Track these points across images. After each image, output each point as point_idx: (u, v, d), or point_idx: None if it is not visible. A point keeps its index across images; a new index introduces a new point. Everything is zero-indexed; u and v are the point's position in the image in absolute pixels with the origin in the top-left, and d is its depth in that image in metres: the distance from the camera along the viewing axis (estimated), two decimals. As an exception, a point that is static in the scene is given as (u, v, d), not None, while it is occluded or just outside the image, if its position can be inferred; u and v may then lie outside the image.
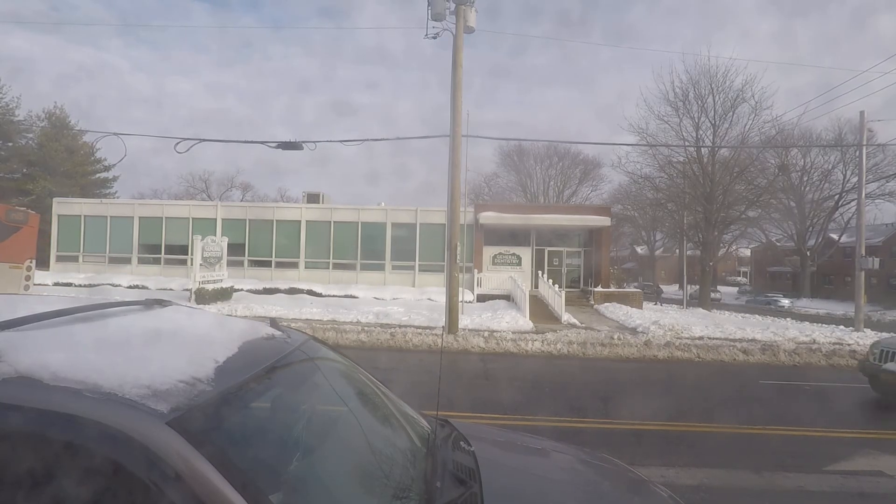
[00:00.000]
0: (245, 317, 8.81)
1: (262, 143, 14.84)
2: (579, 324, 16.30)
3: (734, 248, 43.76)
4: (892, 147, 30.74)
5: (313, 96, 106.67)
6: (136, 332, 1.77)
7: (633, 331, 14.96)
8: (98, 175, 36.93)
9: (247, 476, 1.22)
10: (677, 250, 40.84)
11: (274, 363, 1.71)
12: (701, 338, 13.70)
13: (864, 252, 17.23)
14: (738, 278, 73.67)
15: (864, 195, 17.42)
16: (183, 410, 1.23)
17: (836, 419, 7.11)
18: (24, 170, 32.54)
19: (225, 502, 1.13)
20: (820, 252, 42.78)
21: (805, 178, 40.50)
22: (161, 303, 2.15)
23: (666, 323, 15.52)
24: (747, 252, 63.48)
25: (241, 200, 47.72)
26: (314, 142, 14.64)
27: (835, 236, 42.04)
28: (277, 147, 14.74)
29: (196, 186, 52.83)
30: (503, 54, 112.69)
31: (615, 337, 13.00)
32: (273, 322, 2.23)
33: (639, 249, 68.09)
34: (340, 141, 14.16)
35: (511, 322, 15.49)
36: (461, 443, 2.16)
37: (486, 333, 13.05)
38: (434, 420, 2.34)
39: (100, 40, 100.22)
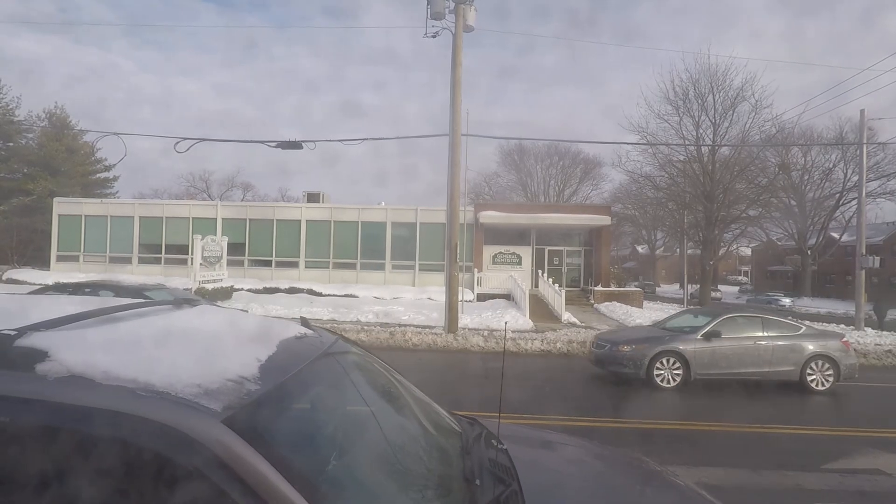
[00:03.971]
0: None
1: (261, 142, 14.85)
2: (579, 323, 16.29)
3: (735, 247, 43.65)
4: (893, 145, 30.66)
5: (314, 96, 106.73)
6: (175, 330, 1.78)
7: (634, 330, 14.93)
8: (99, 175, 36.97)
9: (299, 472, 1.24)
10: (678, 249, 40.79)
11: (312, 361, 1.73)
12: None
13: (864, 251, 17.19)
14: (740, 277, 73.60)
15: (864, 194, 17.40)
16: (236, 409, 1.24)
17: (834, 418, 7.11)
18: (25, 170, 32.57)
19: (282, 498, 1.14)
20: (821, 251, 42.72)
21: (806, 177, 40.42)
22: (190, 302, 2.16)
23: (666, 322, 15.49)
24: (748, 251, 63.38)
25: (242, 200, 47.69)
26: (314, 141, 14.66)
27: (836, 235, 41.96)
28: (277, 146, 14.74)
29: (197, 186, 52.84)
30: (503, 53, 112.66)
31: (615, 336, 12.99)
32: (304, 321, 2.26)
33: (640, 249, 68.05)
34: (340, 140, 14.23)
35: (511, 321, 15.47)
36: (493, 440, 2.16)
37: (485, 332, 13.05)
38: (463, 419, 2.35)
39: (99, 40, 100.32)
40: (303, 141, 14.66)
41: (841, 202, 39.55)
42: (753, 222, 28.98)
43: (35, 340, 1.33)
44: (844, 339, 8.95)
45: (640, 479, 2.37)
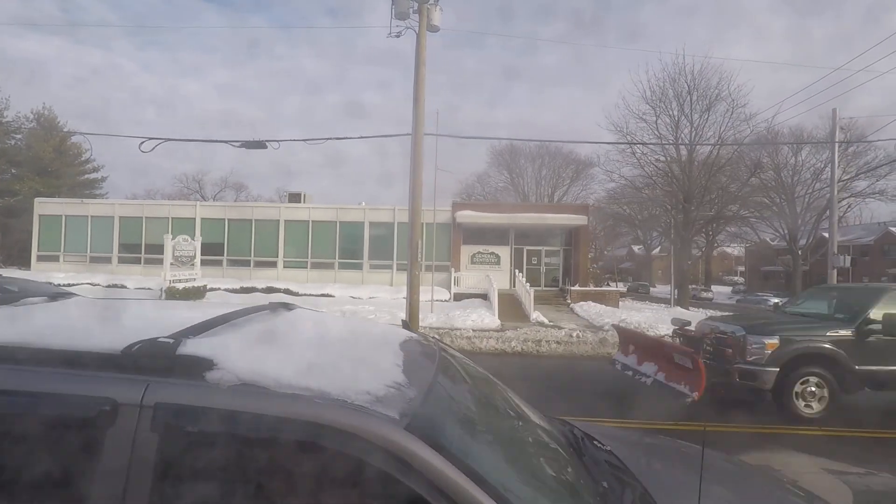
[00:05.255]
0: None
1: (226, 142, 14.90)
2: (547, 322, 16.27)
3: (719, 246, 43.48)
4: (883, 144, 30.50)
5: (297, 96, 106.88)
6: (302, 337, 1.81)
7: (599, 329, 14.92)
8: (87, 176, 37.14)
9: (476, 472, 1.25)
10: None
11: (439, 365, 1.77)
12: (663, 336, 13.63)
13: (836, 250, 17.15)
14: (735, 278, 73.33)
15: (836, 192, 17.39)
16: (410, 415, 1.27)
17: (756, 415, 7.07)
18: (13, 170, 32.76)
19: (472, 499, 1.17)
20: (812, 251, 42.45)
21: (796, 178, 40.18)
22: (286, 306, 2.17)
23: (633, 321, 15.47)
24: (742, 251, 63.21)
25: (236, 201, 47.78)
26: (277, 141, 14.73)
27: (827, 235, 41.68)
28: (242, 146, 14.80)
29: (190, 187, 52.98)
30: (490, 52, 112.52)
31: (574, 335, 12.99)
32: (405, 324, 2.30)
33: (636, 249, 67.98)
34: (304, 140, 14.17)
35: (477, 320, 15.50)
36: (594, 442, 2.16)
37: (443, 331, 13.06)
38: (555, 419, 2.34)
39: (88, 39, 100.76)
40: (266, 140, 14.73)
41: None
42: (733, 222, 28.85)
43: (191, 348, 1.31)
44: None
45: (745, 478, 2.30)
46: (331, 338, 1.86)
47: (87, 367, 1.25)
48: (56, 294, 2.14)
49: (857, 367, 6.47)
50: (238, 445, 1.18)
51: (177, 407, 1.18)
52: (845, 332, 6.61)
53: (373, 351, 1.73)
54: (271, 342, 1.62)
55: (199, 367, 1.25)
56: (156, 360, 1.25)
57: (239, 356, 1.33)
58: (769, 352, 6.46)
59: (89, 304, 2.10)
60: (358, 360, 1.57)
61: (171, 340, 1.29)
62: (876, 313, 6.57)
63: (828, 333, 6.65)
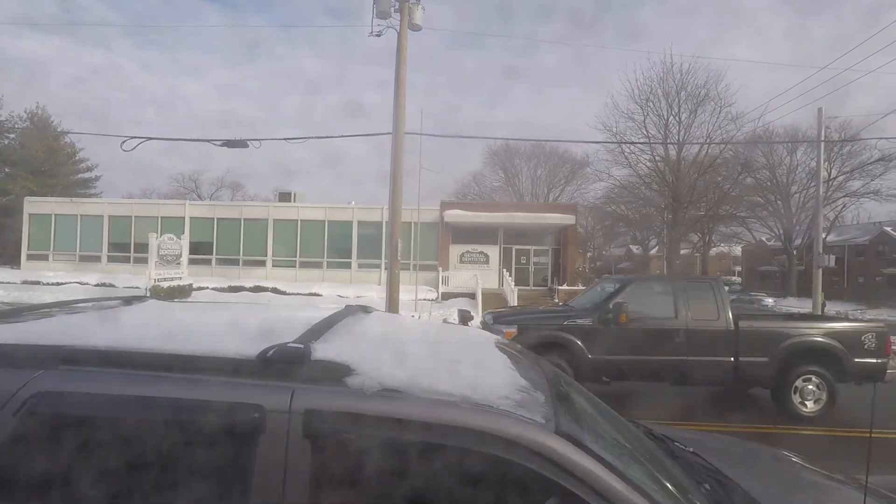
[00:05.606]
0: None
1: (207, 140, 14.94)
2: (530, 321, 16.28)
3: (716, 246, 43.46)
4: (879, 144, 30.45)
5: (303, 96, 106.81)
6: (407, 340, 1.82)
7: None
8: (80, 175, 37.23)
9: (622, 471, 1.27)
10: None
11: (544, 368, 1.79)
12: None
13: (821, 250, 17.15)
14: (733, 277, 73.23)
15: (821, 192, 17.34)
16: (553, 419, 1.29)
17: (712, 413, 7.08)
18: (6, 169, 32.87)
19: (622, 496, 1.20)
20: (807, 251, 42.39)
21: (791, 177, 40.17)
22: (364, 308, 2.14)
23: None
24: (739, 251, 63.16)
25: (231, 200, 47.79)
26: (259, 139, 14.74)
27: (822, 235, 41.59)
28: (223, 145, 14.82)
29: (186, 186, 53.01)
30: (485, 52, 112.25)
31: (552, 334, 12.98)
32: (485, 325, 2.27)
33: (634, 249, 67.98)
34: (284, 139, 14.22)
35: (460, 319, 15.50)
36: (676, 443, 2.15)
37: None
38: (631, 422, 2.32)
39: (79, 38, 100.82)
40: (248, 139, 14.73)
41: (826, 202, 39.22)
42: (725, 221, 28.84)
43: (321, 353, 1.30)
44: None
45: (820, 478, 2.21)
46: (431, 340, 1.87)
47: (226, 373, 1.23)
48: (131, 298, 2.12)
49: (590, 356, 6.40)
50: (393, 451, 1.18)
51: (328, 413, 1.18)
52: (585, 322, 6.56)
53: (479, 354, 1.74)
54: (384, 346, 1.63)
55: (338, 372, 1.25)
56: (294, 365, 1.24)
57: (368, 361, 1.32)
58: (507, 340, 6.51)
59: (178, 307, 2.12)
60: (473, 364, 1.58)
61: (302, 346, 1.28)
62: (615, 304, 6.52)
63: (565, 323, 6.59)
